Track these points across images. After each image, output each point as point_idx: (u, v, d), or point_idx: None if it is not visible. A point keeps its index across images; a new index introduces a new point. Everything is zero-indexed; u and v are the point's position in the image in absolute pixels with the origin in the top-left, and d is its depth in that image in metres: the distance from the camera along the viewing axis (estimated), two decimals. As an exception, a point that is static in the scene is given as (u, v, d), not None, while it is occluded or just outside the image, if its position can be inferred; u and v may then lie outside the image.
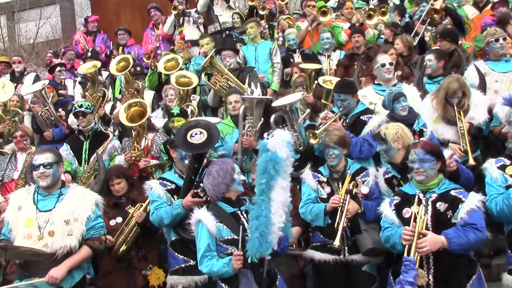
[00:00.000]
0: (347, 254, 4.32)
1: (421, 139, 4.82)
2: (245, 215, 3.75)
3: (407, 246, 3.58)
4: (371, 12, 8.33)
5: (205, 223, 3.60)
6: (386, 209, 3.91)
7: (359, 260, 4.33)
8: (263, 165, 3.44)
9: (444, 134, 5.14)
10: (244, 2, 10.08)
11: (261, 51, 7.84)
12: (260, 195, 3.45)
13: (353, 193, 4.34)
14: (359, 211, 4.31)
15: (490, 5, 8.33)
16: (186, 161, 4.46)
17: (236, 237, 3.59)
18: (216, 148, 5.62)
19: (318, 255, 4.45)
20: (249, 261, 3.48)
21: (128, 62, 7.35)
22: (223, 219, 3.66)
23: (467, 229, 3.57)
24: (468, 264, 3.71)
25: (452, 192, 3.75)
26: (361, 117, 5.09)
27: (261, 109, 5.68)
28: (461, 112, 5.12)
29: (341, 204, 4.28)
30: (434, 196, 3.77)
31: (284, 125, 5.56)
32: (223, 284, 3.63)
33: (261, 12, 9.07)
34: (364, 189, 4.40)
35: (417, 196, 3.75)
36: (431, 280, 3.64)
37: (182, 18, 9.42)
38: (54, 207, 3.93)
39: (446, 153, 4.12)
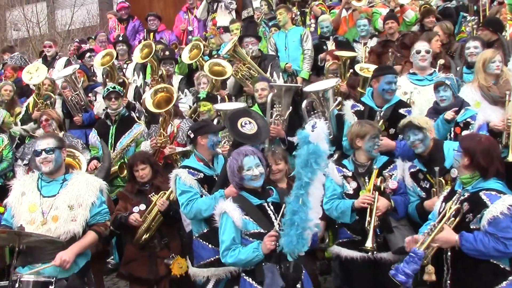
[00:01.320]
0: (375, 252, 4.10)
1: (463, 132, 4.57)
2: (271, 207, 3.64)
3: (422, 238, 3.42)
4: None
5: (230, 215, 3.51)
6: (439, 201, 3.71)
7: (388, 259, 4.12)
8: (305, 158, 3.30)
9: (487, 117, 4.77)
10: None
11: (292, 38, 7.61)
12: (299, 189, 3.33)
13: (382, 189, 4.12)
14: (389, 207, 4.11)
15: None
16: (218, 149, 4.30)
17: (262, 230, 3.50)
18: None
19: (345, 252, 4.27)
20: (289, 258, 3.41)
21: (151, 48, 7.28)
22: (249, 212, 3.56)
23: (488, 236, 3.27)
24: (491, 272, 3.37)
25: (481, 194, 3.39)
26: (399, 111, 4.85)
27: (290, 97, 5.52)
28: (510, 104, 4.77)
29: (372, 202, 4.07)
30: (466, 194, 3.50)
31: (314, 112, 5.39)
32: (248, 277, 3.53)
33: None
34: (392, 184, 4.20)
35: (457, 194, 3.53)
36: (448, 281, 3.47)
37: (216, 4, 9.33)
38: (58, 193, 3.90)
39: None
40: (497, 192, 3.36)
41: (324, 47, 7.70)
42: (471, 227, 3.37)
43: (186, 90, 7.46)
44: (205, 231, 4.31)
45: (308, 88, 5.38)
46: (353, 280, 4.34)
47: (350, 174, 4.34)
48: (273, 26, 8.43)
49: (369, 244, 3.96)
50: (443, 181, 4.02)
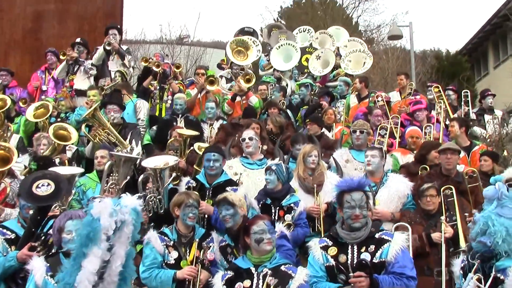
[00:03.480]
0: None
1: (286, 215, 5.04)
2: None
3: None
4: (248, 76, 8.88)
5: (33, 273, 3.58)
6: (217, 284, 3.93)
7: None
8: (81, 230, 3.34)
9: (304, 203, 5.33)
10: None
11: (126, 111, 7.79)
12: (72, 259, 3.35)
13: (203, 261, 4.35)
14: (209, 278, 4.32)
15: (368, 98, 9.18)
16: (30, 211, 4.33)
17: None
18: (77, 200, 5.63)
19: None
20: None
21: (5, 103, 7.10)
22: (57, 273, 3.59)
23: None
24: None
25: (282, 268, 3.87)
26: (226, 188, 5.16)
27: (128, 167, 5.70)
28: (320, 194, 5.43)
29: (195, 275, 4.27)
30: (265, 270, 3.88)
31: (148, 188, 5.57)
32: None
33: (155, 69, 9.20)
34: (210, 255, 4.43)
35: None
36: None
37: (77, 66, 9.36)
38: None
39: None
40: (290, 265, 3.94)
41: (174, 123, 8.00)
42: None
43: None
44: None
45: (145, 164, 5.59)
46: None
47: (171, 243, 4.47)
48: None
49: None
50: None
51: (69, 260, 3.38)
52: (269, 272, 3.82)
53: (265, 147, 6.52)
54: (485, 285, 3.37)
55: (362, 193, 3.88)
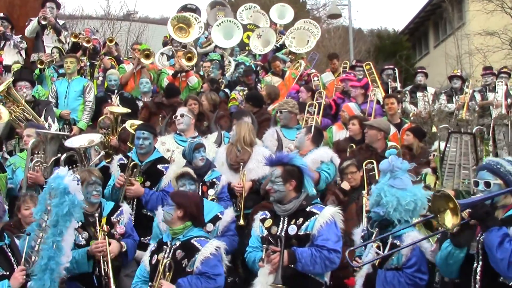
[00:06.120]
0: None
1: (209, 190, 5.12)
2: (9, 249, 3.70)
3: None
4: (190, 55, 8.77)
5: None
6: (145, 255, 4.06)
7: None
8: (64, 208, 3.65)
9: (228, 178, 5.43)
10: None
11: (73, 88, 7.67)
12: (55, 235, 3.63)
13: (111, 232, 4.39)
14: (123, 249, 4.38)
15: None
16: None
17: (5, 273, 3.57)
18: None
19: None
20: None
21: None
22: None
23: (199, 277, 3.74)
24: None
25: (192, 241, 3.89)
26: (157, 166, 5.24)
27: (56, 145, 5.63)
28: (244, 173, 5.46)
29: (105, 248, 4.22)
30: (177, 243, 3.91)
31: (75, 165, 5.49)
32: None
33: (85, 44, 8.96)
34: (120, 229, 4.44)
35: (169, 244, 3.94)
36: None
37: (3, 42, 8.96)
38: None
39: None
40: (201, 238, 3.92)
41: (109, 100, 7.84)
42: (188, 270, 3.78)
43: None
44: None
45: (68, 144, 5.52)
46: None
47: (79, 224, 4.26)
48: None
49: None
50: None
51: (50, 236, 3.63)
52: (179, 245, 3.89)
53: (206, 123, 6.49)
54: (383, 252, 3.58)
55: (276, 168, 3.94)
